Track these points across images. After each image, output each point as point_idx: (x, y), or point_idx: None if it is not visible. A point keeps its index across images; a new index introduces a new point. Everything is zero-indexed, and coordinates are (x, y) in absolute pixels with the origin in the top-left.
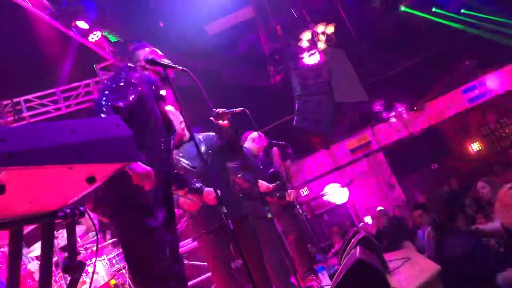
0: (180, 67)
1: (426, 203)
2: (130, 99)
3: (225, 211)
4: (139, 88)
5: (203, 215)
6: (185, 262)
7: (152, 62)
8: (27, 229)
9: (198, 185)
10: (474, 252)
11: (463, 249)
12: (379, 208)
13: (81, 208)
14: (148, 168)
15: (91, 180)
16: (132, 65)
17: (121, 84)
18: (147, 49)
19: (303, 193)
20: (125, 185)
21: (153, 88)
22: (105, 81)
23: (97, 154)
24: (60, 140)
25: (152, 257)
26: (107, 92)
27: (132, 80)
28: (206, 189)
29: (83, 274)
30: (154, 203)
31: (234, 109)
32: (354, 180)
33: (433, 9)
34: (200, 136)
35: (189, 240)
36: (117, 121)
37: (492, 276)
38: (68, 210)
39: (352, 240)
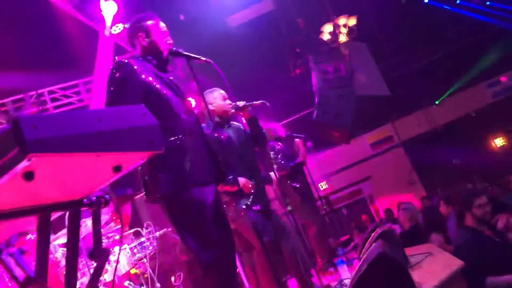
0: (204, 58)
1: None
2: (137, 99)
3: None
4: (143, 82)
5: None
6: None
7: (176, 53)
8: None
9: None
10: (468, 246)
11: (458, 242)
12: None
13: (107, 196)
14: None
15: (117, 168)
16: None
17: (120, 88)
18: (159, 22)
19: (322, 187)
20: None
21: (156, 73)
22: (108, 84)
23: (124, 143)
24: (88, 128)
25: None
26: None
27: (132, 78)
28: (240, 178)
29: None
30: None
31: (254, 102)
32: (374, 175)
33: (458, 1)
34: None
35: None
36: (143, 110)
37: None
38: (94, 198)
39: (372, 234)
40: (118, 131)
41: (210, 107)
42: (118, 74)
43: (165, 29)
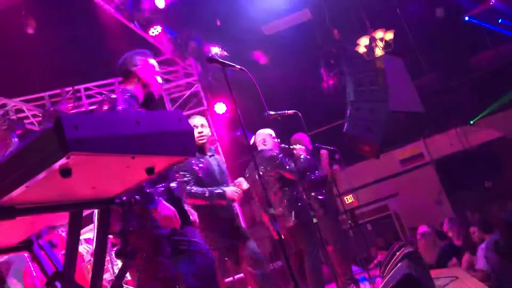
0: (239, 67)
1: (483, 221)
2: None
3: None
4: None
5: None
6: None
7: (212, 60)
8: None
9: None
10: None
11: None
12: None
13: (137, 197)
14: (172, 209)
15: (150, 171)
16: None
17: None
18: (154, 61)
19: (348, 201)
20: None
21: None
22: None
23: (159, 146)
24: (126, 131)
25: None
26: None
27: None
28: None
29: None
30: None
31: (286, 111)
32: (401, 192)
33: (500, 21)
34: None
35: None
36: (179, 115)
37: None
38: (125, 198)
39: (398, 253)
40: (154, 134)
41: None
42: (105, 107)
43: (155, 66)
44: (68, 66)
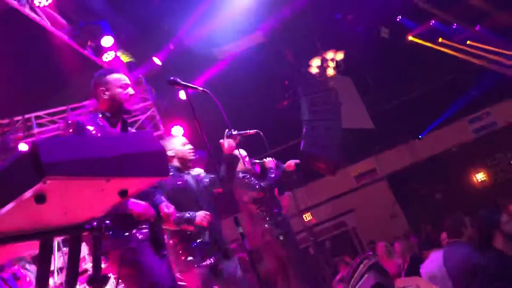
0: (201, 88)
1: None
2: None
3: None
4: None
5: None
6: None
7: (173, 82)
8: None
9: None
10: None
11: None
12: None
13: (107, 222)
14: (144, 203)
15: (123, 193)
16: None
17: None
18: (119, 75)
19: (306, 219)
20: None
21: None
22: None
23: (134, 168)
24: (101, 153)
25: None
26: None
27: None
28: (198, 213)
29: None
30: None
31: (248, 131)
32: (357, 208)
33: (440, 40)
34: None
35: None
36: (151, 136)
37: None
38: (95, 223)
39: (361, 266)
40: (129, 156)
41: (169, 153)
42: (72, 132)
43: (126, 81)
44: (17, 95)
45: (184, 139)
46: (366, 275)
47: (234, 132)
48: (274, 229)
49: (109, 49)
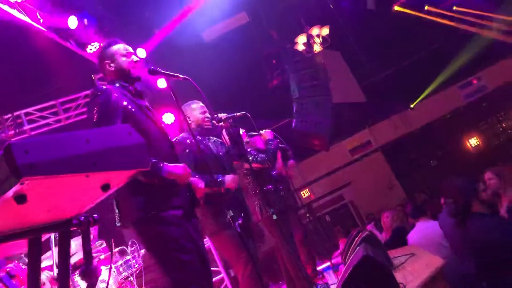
0: (182, 76)
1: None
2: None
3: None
4: (121, 106)
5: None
6: None
7: (154, 71)
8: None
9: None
10: (502, 234)
11: (490, 233)
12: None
13: (95, 216)
14: (180, 164)
15: (106, 187)
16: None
17: (104, 110)
18: (120, 45)
19: (304, 195)
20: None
21: (132, 99)
22: (90, 108)
23: (112, 162)
24: (77, 150)
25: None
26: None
27: (112, 101)
28: (227, 177)
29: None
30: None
31: (235, 114)
32: (354, 181)
33: (426, 7)
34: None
35: None
36: (128, 130)
37: None
38: (83, 218)
39: (356, 238)
40: (105, 151)
41: (189, 120)
42: (99, 99)
43: (129, 49)
44: (3, 92)
45: (203, 108)
46: (357, 248)
47: (222, 116)
48: (266, 207)
49: (93, 40)
